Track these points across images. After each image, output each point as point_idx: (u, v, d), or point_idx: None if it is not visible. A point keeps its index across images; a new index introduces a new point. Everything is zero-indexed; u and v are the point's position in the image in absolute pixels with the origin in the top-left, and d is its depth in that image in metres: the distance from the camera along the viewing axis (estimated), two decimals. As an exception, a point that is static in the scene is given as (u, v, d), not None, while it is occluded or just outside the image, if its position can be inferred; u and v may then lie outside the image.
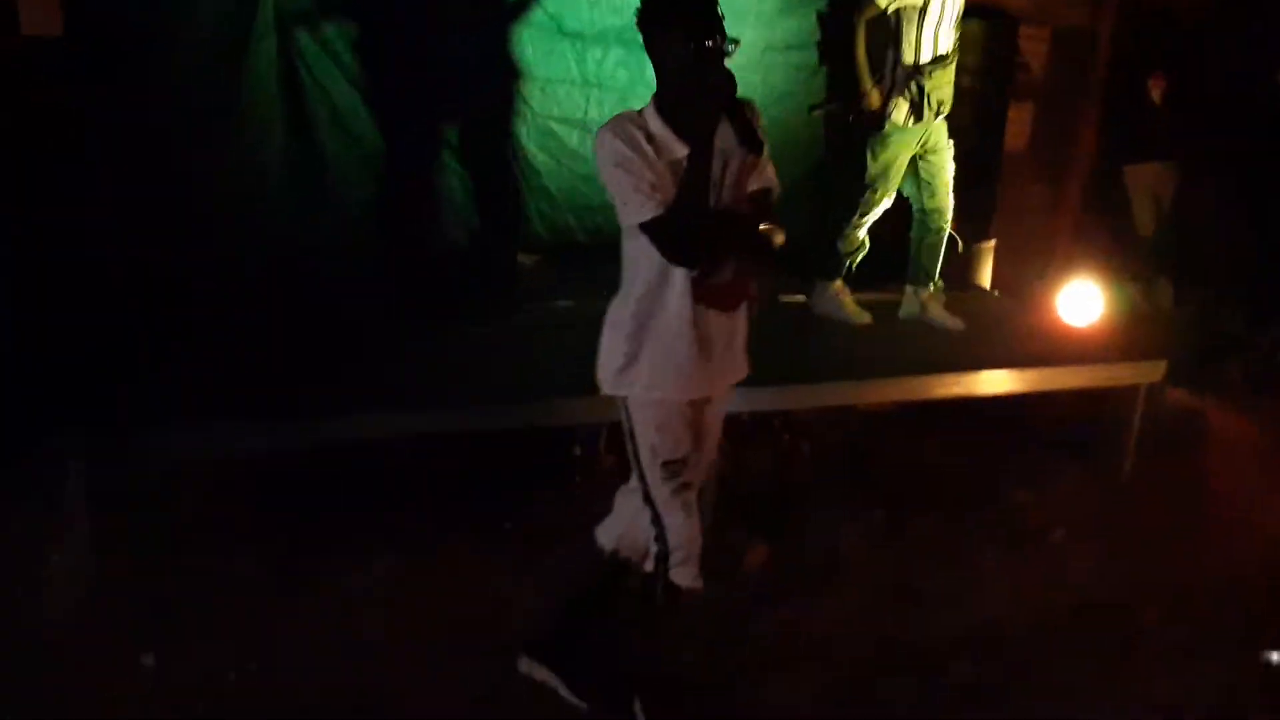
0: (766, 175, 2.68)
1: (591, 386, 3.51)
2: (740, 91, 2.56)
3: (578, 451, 4.24)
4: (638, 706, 2.88)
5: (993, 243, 5.56)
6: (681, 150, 2.51)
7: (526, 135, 4.84)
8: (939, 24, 4.25)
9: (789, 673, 3.17)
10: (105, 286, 3.78)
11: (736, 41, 2.47)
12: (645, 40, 2.55)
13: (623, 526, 2.93)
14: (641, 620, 2.93)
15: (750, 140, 2.50)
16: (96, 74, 3.93)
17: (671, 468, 2.73)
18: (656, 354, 2.65)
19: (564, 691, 2.95)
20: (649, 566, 2.83)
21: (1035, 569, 3.83)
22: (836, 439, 4.54)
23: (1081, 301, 4.93)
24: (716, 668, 3.17)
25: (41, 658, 2.93)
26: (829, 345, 4.43)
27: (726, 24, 2.67)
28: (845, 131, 4.75)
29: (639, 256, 2.61)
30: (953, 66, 4.36)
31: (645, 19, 2.52)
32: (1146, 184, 6.35)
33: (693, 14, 2.47)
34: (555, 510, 3.92)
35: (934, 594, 3.63)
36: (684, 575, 2.79)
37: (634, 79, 4.90)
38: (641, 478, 2.77)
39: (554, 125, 4.87)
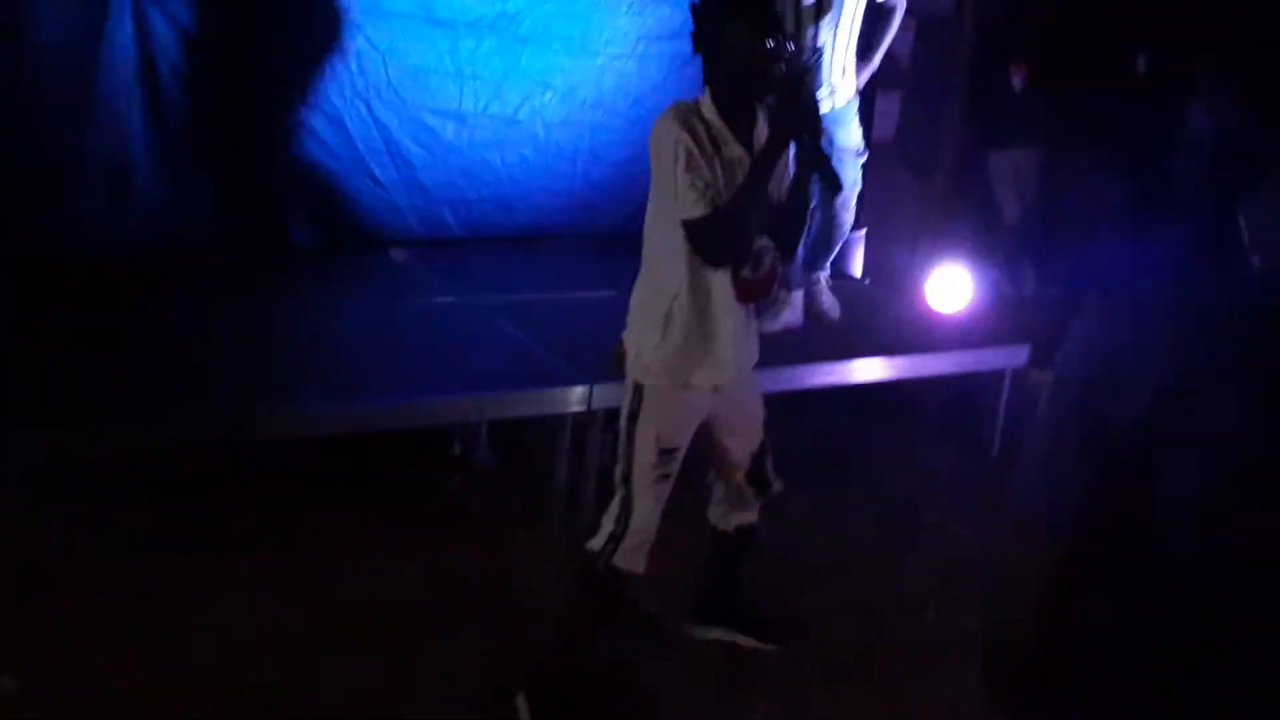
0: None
1: (468, 383, 3.55)
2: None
3: (457, 450, 4.23)
4: (521, 699, 2.91)
5: (863, 231, 5.72)
6: (737, 150, 2.67)
7: (399, 128, 4.79)
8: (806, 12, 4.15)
9: (678, 643, 3.32)
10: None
11: (797, 43, 2.59)
12: (702, 37, 2.67)
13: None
14: (579, 602, 2.98)
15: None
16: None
17: (666, 456, 2.82)
18: (691, 344, 2.77)
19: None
20: (596, 544, 2.87)
21: (909, 543, 4.04)
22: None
23: (950, 288, 5.12)
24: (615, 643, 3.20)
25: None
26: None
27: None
28: None
29: (679, 248, 2.71)
30: (818, 62, 4.24)
31: (704, 15, 2.65)
32: (1010, 171, 6.61)
33: (756, 9, 2.64)
34: (434, 508, 3.96)
35: (815, 567, 3.82)
36: (630, 559, 2.85)
37: (509, 69, 4.95)
38: (628, 458, 2.82)
39: (427, 117, 4.85)
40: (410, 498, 4.00)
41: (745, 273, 2.76)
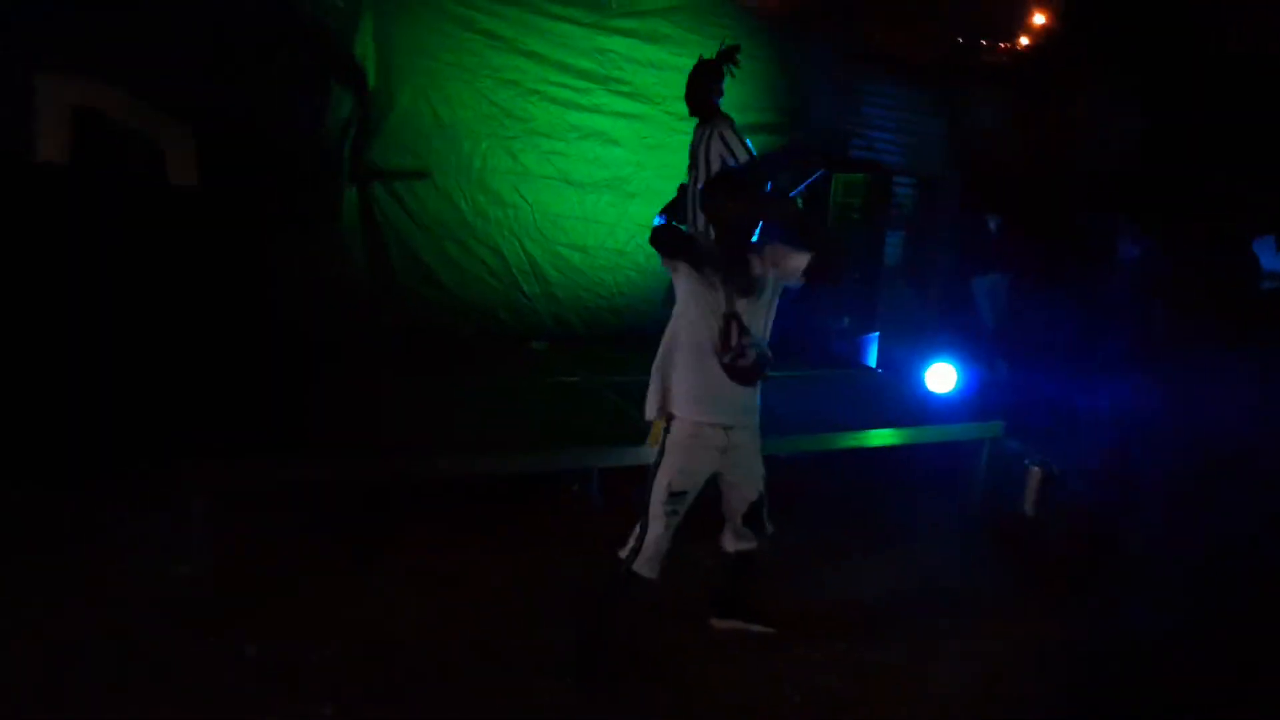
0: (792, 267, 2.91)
1: (588, 438, 3.63)
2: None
3: (575, 488, 4.30)
4: (571, 677, 2.97)
5: (877, 333, 5.72)
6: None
7: (542, 257, 5.01)
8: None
9: (721, 639, 3.32)
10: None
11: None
12: (705, 205, 2.98)
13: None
14: (604, 595, 3.05)
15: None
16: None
17: (675, 497, 2.96)
18: (693, 382, 2.86)
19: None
20: (624, 553, 2.99)
21: (906, 565, 4.04)
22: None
23: (942, 376, 5.09)
24: (664, 642, 3.23)
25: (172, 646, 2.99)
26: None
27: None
28: None
29: (678, 313, 2.90)
30: None
31: (706, 195, 2.97)
32: (987, 290, 6.55)
33: (731, 193, 2.85)
34: (556, 529, 4.01)
35: (833, 582, 3.84)
36: (646, 567, 2.99)
37: (620, 215, 5.23)
38: (648, 495, 2.97)
39: (561, 249, 5.10)
40: (541, 523, 4.10)
41: (726, 360, 2.84)
